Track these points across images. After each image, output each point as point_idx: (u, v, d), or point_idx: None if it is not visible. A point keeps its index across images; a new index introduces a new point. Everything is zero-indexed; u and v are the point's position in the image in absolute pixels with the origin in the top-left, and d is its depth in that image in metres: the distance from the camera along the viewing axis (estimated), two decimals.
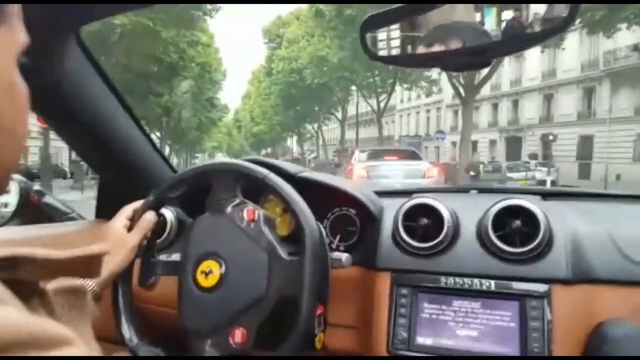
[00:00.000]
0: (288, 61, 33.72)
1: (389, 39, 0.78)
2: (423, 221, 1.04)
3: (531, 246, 0.95)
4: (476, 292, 0.96)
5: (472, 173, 16.99)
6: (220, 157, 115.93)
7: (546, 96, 29.44)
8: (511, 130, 31.84)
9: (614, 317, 0.88)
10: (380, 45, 0.79)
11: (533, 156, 25.31)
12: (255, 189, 0.94)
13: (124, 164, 1.20)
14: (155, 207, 0.97)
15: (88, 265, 0.52)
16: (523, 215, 0.98)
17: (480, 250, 0.99)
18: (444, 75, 35.36)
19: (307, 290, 0.81)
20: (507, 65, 30.19)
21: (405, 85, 29.84)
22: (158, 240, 1.10)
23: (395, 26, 0.77)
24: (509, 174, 17.84)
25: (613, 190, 3.59)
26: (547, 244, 0.96)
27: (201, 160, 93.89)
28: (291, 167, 1.13)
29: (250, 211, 0.90)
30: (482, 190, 1.30)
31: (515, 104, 31.93)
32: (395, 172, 10.15)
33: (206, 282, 0.89)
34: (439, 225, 1.02)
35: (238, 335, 0.85)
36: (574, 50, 25.24)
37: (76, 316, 0.57)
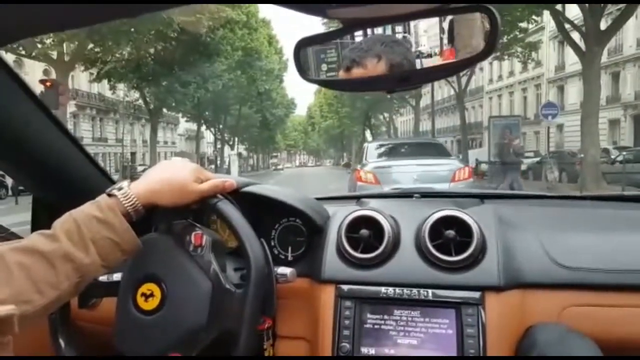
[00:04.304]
0: None
1: (323, 63, 0.79)
2: (365, 232, 1.05)
3: (465, 255, 0.98)
4: (415, 301, 0.98)
5: None
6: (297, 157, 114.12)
7: None
8: None
9: (543, 320, 0.93)
10: (314, 68, 0.79)
11: None
12: (203, 210, 0.94)
13: (57, 180, 1.15)
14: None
15: None
16: (458, 225, 1.01)
17: (418, 260, 1.02)
18: (544, 37, 28.13)
19: (247, 327, 0.82)
20: (633, 19, 22.16)
21: (493, 56, 23.32)
22: None
23: (329, 50, 0.78)
24: None
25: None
26: (481, 252, 1.00)
27: (279, 159, 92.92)
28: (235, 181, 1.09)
29: (197, 235, 0.88)
30: (424, 195, 1.41)
31: None
32: (412, 177, 7.40)
33: (146, 304, 0.86)
34: (380, 235, 1.04)
35: None
36: None
37: None
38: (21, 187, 9.60)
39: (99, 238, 0.75)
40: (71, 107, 29.64)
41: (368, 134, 50.01)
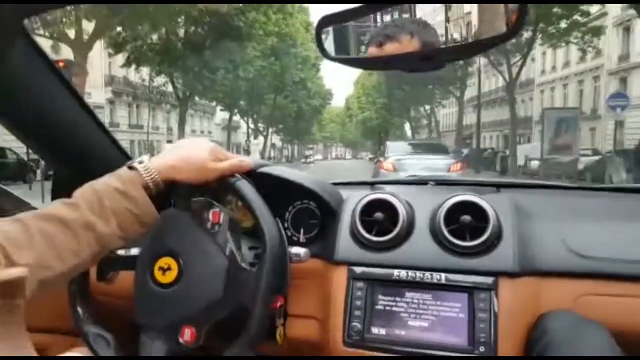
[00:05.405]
0: None
1: (345, 40, 0.78)
2: (379, 215, 1.05)
3: (480, 240, 0.98)
4: (428, 284, 0.98)
5: None
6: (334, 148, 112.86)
7: None
8: None
9: (557, 308, 0.92)
10: (336, 46, 0.79)
11: None
12: (221, 189, 0.96)
13: (77, 157, 1.15)
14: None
15: (6, 291, 0.53)
16: (474, 210, 1.01)
17: (432, 244, 1.02)
18: (608, 23, 25.56)
19: (261, 303, 0.83)
20: None
21: (548, 43, 21.18)
22: None
23: (352, 28, 0.78)
24: None
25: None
26: (496, 238, 0.99)
27: (314, 151, 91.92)
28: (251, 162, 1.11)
29: (215, 213, 0.90)
30: (439, 183, 1.39)
31: None
32: (419, 167, 10.02)
33: (163, 278, 0.89)
34: (394, 219, 1.04)
35: (187, 334, 0.86)
36: None
37: (3, 314, 0.57)
38: (50, 172, 8.97)
39: (119, 210, 0.76)
40: (107, 94, 29.40)
41: (407, 127, 48.08)
